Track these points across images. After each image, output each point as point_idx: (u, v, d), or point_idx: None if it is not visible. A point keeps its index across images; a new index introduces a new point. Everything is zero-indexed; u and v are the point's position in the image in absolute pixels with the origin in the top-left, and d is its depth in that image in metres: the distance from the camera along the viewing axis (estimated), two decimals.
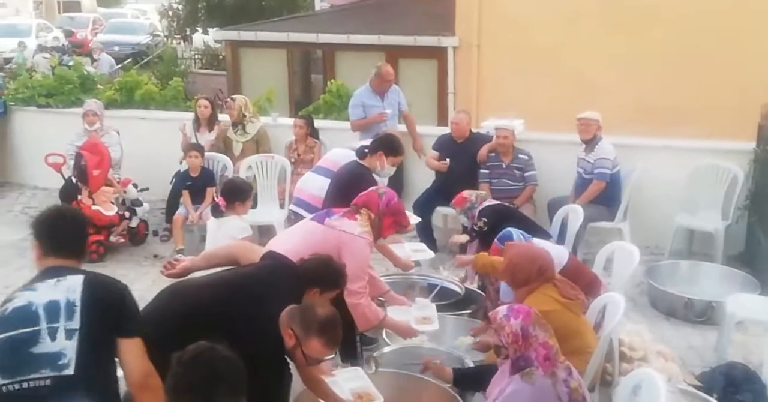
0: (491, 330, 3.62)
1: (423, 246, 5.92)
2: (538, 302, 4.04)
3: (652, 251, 7.27)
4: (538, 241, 4.88)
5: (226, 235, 5.10)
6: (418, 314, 4.78)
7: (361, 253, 4.39)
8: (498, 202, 5.96)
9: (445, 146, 7.56)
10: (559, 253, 4.74)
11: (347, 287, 4.28)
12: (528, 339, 3.38)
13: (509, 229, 4.85)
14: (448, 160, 7.39)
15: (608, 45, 10.06)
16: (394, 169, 5.67)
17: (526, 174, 7.23)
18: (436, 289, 5.45)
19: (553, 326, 3.87)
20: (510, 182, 7.18)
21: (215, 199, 7.20)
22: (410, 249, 5.68)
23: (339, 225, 4.40)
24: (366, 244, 4.43)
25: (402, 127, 7.96)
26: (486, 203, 5.77)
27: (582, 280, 4.51)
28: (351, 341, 4.90)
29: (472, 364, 4.36)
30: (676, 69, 9.70)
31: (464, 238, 6.00)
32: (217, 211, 5.38)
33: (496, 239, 4.85)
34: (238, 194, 5.31)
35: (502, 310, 3.52)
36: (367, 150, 5.53)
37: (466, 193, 5.89)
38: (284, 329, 3.42)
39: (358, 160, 5.58)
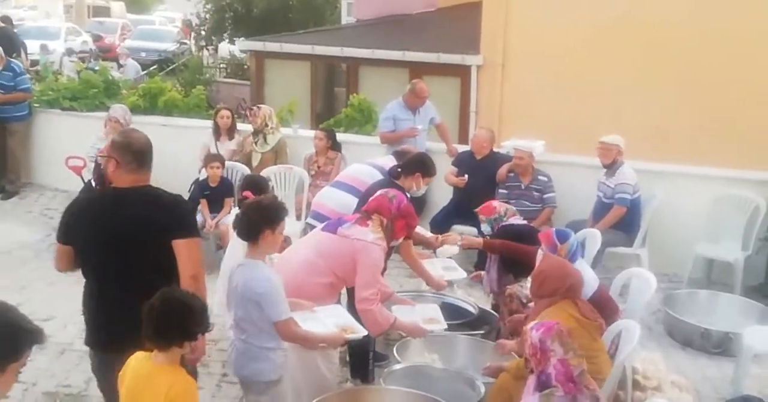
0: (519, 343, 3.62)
1: (453, 264, 5.85)
2: (555, 316, 4.02)
3: (670, 279, 7.19)
4: (580, 262, 4.83)
5: None
6: (424, 315, 4.83)
7: (375, 260, 4.43)
8: (524, 222, 5.84)
9: (464, 162, 7.54)
10: (590, 280, 4.70)
11: (359, 294, 4.35)
12: (545, 353, 3.37)
13: (572, 232, 4.90)
14: (466, 176, 7.36)
15: (632, 69, 10.02)
16: (425, 188, 5.65)
17: (545, 196, 7.18)
18: None
19: None
20: (528, 203, 7.13)
21: (233, 208, 7.21)
22: (441, 267, 5.62)
23: (351, 233, 4.42)
24: (380, 250, 4.46)
25: (429, 145, 7.99)
26: (513, 220, 5.66)
27: (604, 311, 4.46)
28: (364, 358, 4.88)
29: (482, 386, 4.31)
30: (699, 95, 9.63)
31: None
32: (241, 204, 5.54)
33: (555, 229, 4.93)
34: (260, 188, 5.42)
35: (532, 323, 3.54)
36: (400, 169, 5.48)
37: (495, 203, 5.79)
38: None
39: (393, 180, 5.53)
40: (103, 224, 3.53)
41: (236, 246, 5.53)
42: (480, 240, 5.71)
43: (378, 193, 4.81)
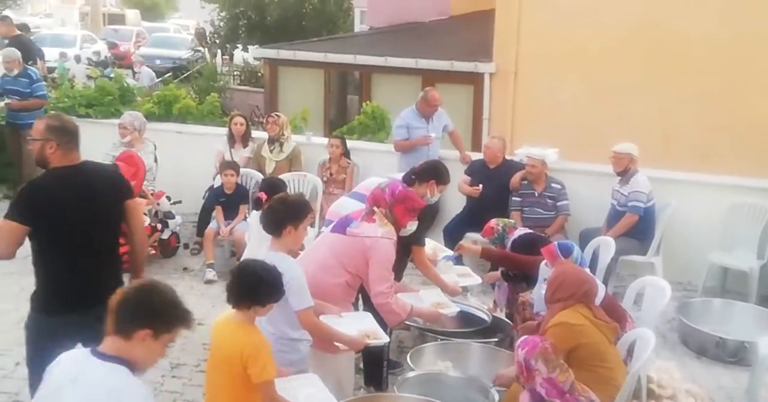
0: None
1: (468, 270, 5.87)
2: (568, 316, 4.05)
3: (684, 287, 7.17)
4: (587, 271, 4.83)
5: None
6: (431, 300, 4.95)
7: (386, 255, 4.45)
8: (529, 230, 5.88)
9: (477, 171, 7.54)
10: (599, 289, 4.69)
11: (374, 289, 4.40)
12: (530, 371, 3.37)
13: (573, 243, 4.92)
14: (480, 185, 7.36)
15: (645, 76, 10.02)
16: (439, 196, 5.66)
17: (558, 203, 7.18)
18: None
19: (580, 342, 3.88)
20: (542, 211, 7.13)
21: (246, 215, 7.25)
22: (457, 274, 5.64)
23: (360, 231, 4.47)
24: (390, 244, 4.49)
25: (443, 152, 8.01)
26: (517, 232, 5.69)
27: (612, 317, 4.45)
28: (378, 365, 4.90)
29: (496, 394, 4.30)
30: (714, 103, 9.62)
31: (496, 275, 5.92)
32: (258, 204, 5.68)
33: (557, 243, 4.93)
34: (276, 189, 5.53)
35: (522, 338, 3.53)
36: (414, 176, 5.50)
37: (493, 223, 5.79)
38: None
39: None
40: (81, 197, 3.85)
41: (253, 250, 5.61)
42: (478, 248, 5.75)
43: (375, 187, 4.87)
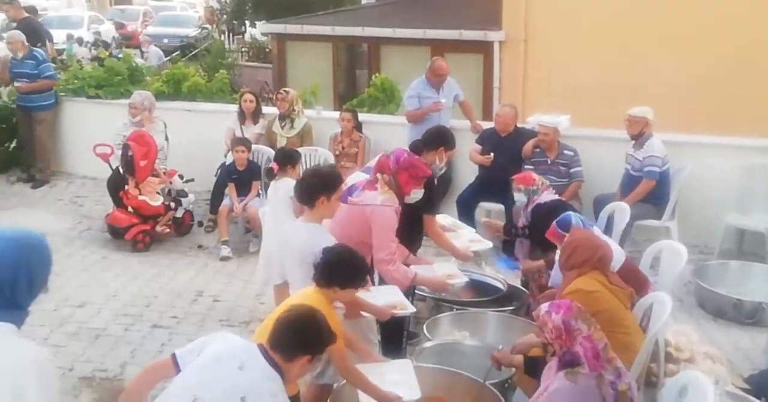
0: (535, 329, 3.57)
1: (478, 236, 5.87)
2: (584, 284, 4.04)
3: (700, 251, 7.13)
4: (600, 236, 4.79)
5: (283, 195, 5.53)
6: (444, 271, 4.99)
7: (387, 222, 4.49)
8: (557, 196, 5.72)
9: (489, 140, 7.50)
10: (617, 253, 4.67)
11: (376, 255, 4.46)
12: (571, 333, 3.33)
13: (570, 213, 4.80)
14: (492, 154, 7.33)
15: (657, 40, 9.90)
16: (445, 163, 5.64)
17: (571, 170, 7.13)
18: None
19: (598, 309, 3.87)
20: (555, 178, 7.07)
21: (260, 191, 7.26)
22: (467, 239, 5.64)
23: (360, 200, 4.52)
24: (391, 211, 4.52)
25: (453, 122, 7.96)
26: (546, 194, 5.54)
27: (633, 284, 4.43)
28: (398, 336, 4.93)
29: None
30: (729, 65, 9.51)
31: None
32: (270, 175, 5.94)
33: (555, 223, 4.78)
34: (289, 159, 5.81)
35: (543, 307, 3.49)
36: (422, 145, 5.50)
37: (535, 175, 5.69)
38: None
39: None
40: None
41: (272, 229, 5.67)
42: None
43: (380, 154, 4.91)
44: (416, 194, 4.72)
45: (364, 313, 4.22)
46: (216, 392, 2.79)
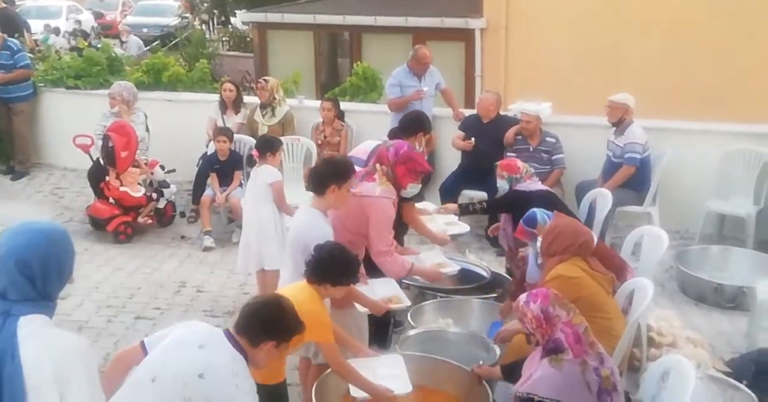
0: (517, 316, 3.59)
1: (454, 218, 5.89)
2: (565, 270, 4.06)
3: (681, 236, 7.19)
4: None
5: (262, 182, 5.64)
6: (432, 261, 5.03)
7: (385, 213, 4.49)
8: (542, 187, 5.64)
9: (471, 126, 7.51)
10: None
11: (374, 247, 4.47)
12: (551, 320, 3.35)
13: (534, 210, 4.72)
14: (473, 139, 7.33)
15: (641, 27, 9.92)
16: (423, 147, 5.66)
17: (553, 157, 7.15)
18: None
19: (579, 295, 3.90)
20: (537, 165, 7.07)
21: (242, 181, 7.23)
22: (443, 222, 5.66)
23: (359, 191, 4.50)
24: (388, 203, 4.53)
25: (436, 110, 7.98)
26: (530, 183, 5.49)
27: (609, 266, 4.45)
28: (384, 324, 4.95)
29: (497, 349, 4.33)
30: (709, 51, 9.55)
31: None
32: (251, 161, 5.98)
33: (521, 221, 4.73)
34: (269, 146, 5.79)
35: (522, 297, 3.51)
36: (400, 131, 5.52)
37: (519, 163, 5.63)
38: None
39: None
40: None
41: (251, 217, 5.66)
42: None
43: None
44: (413, 189, 4.73)
45: (358, 307, 4.24)
46: (174, 370, 2.78)
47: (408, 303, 4.53)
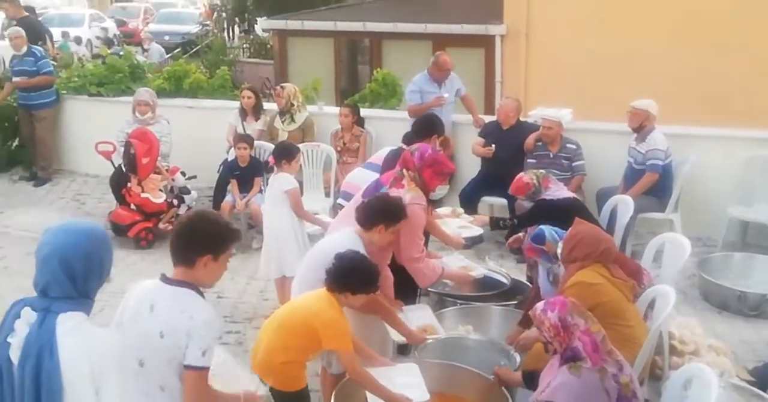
0: (534, 326, 3.57)
1: (467, 222, 5.89)
2: (586, 276, 4.03)
3: (704, 243, 7.12)
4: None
5: (278, 189, 5.66)
6: (457, 264, 5.09)
7: (416, 221, 4.49)
8: (567, 193, 5.46)
9: (491, 133, 7.50)
10: None
11: (406, 253, 4.48)
12: (568, 329, 3.33)
13: (542, 227, 4.62)
14: (493, 146, 7.32)
15: (662, 33, 9.86)
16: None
17: (574, 164, 7.11)
18: None
19: (599, 301, 3.87)
20: (557, 172, 7.05)
21: (262, 188, 7.26)
22: (456, 226, 5.65)
23: None
24: (420, 209, 4.53)
25: (455, 117, 8.01)
26: (554, 189, 5.31)
27: (624, 271, 4.41)
28: (413, 288, 5.03)
29: (517, 356, 4.31)
30: (732, 56, 9.46)
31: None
32: (269, 168, 6.14)
33: (529, 239, 4.66)
34: (285, 154, 5.77)
35: (539, 306, 3.48)
36: (413, 134, 5.53)
37: (525, 178, 5.36)
38: None
39: (405, 147, 5.56)
40: None
41: (269, 223, 5.71)
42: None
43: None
44: (441, 190, 4.75)
45: (392, 333, 4.29)
46: (142, 343, 2.83)
47: (443, 334, 4.50)
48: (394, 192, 4.54)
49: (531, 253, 4.65)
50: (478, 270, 5.13)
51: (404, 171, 4.64)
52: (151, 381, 2.83)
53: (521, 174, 5.46)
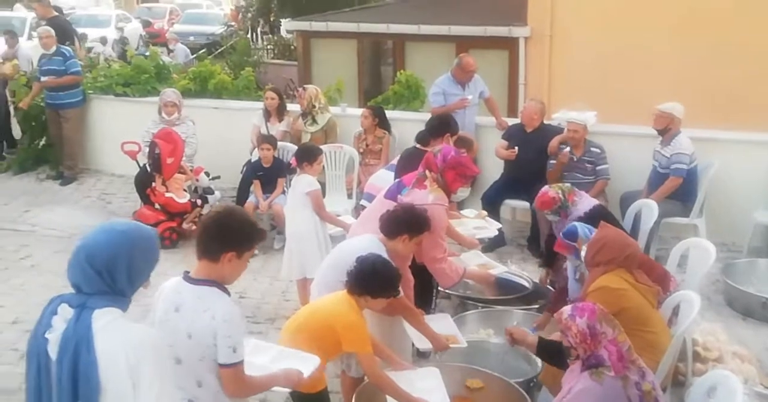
0: (558, 326, 3.55)
1: (484, 223, 5.89)
2: (610, 281, 4.01)
3: (729, 248, 7.05)
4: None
5: (300, 191, 5.70)
6: (476, 262, 5.16)
7: (439, 221, 4.52)
8: (592, 203, 5.35)
9: (515, 135, 7.47)
10: None
11: (429, 254, 4.53)
12: (596, 337, 3.31)
13: (575, 224, 4.64)
14: (516, 148, 7.30)
15: (687, 36, 9.77)
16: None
17: (597, 168, 7.07)
18: None
19: (623, 306, 3.86)
20: (581, 176, 7.03)
21: (285, 189, 7.29)
22: (473, 226, 5.65)
23: (410, 199, 4.53)
24: (441, 209, 4.57)
25: (479, 119, 8.01)
26: (581, 202, 5.21)
27: (651, 275, 4.39)
28: (429, 288, 5.09)
29: (539, 361, 4.30)
30: (756, 60, 9.36)
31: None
32: (291, 169, 6.18)
33: (561, 234, 4.64)
34: (306, 156, 5.80)
35: (566, 310, 3.45)
36: (427, 133, 5.55)
37: (551, 193, 5.20)
38: None
39: (419, 146, 5.60)
40: None
41: (290, 225, 5.74)
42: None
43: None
44: (462, 193, 4.76)
45: (412, 335, 4.30)
46: (174, 341, 2.91)
47: (465, 344, 4.48)
48: (416, 192, 4.55)
49: (561, 248, 4.63)
50: (498, 268, 5.14)
51: (427, 172, 4.65)
52: (188, 377, 2.93)
53: (546, 188, 5.33)
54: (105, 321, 2.39)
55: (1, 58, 10.85)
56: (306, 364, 3.45)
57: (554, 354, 3.88)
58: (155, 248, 2.63)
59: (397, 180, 4.99)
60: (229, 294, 3.00)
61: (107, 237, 2.49)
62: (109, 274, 2.45)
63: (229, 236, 2.97)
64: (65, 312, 2.42)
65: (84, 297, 2.44)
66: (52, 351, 2.39)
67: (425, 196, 4.52)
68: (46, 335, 2.42)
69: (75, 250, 2.48)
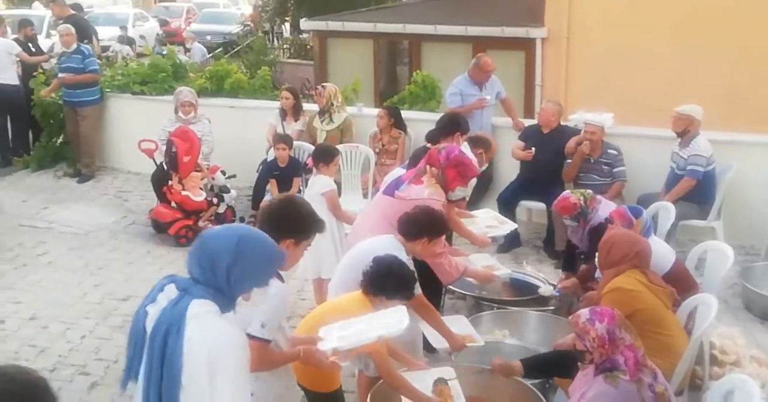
0: (573, 329, 3.53)
1: (496, 222, 5.87)
2: (623, 282, 4.01)
3: (747, 251, 7.00)
4: (653, 238, 4.73)
5: (315, 192, 5.69)
6: (483, 263, 5.12)
7: None
8: (611, 203, 5.32)
9: (531, 136, 7.44)
10: (668, 253, 4.63)
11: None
12: (615, 342, 3.29)
13: (641, 208, 4.85)
14: (533, 148, 7.27)
15: (704, 37, 9.71)
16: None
17: (614, 170, 7.03)
18: None
19: (636, 308, 3.86)
20: (598, 177, 7.00)
21: (301, 188, 7.30)
22: (484, 225, 5.63)
23: (407, 195, 4.57)
24: (438, 205, 4.55)
25: (495, 120, 7.99)
26: (599, 209, 5.13)
27: (681, 285, 4.36)
28: (438, 290, 5.03)
29: None
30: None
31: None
32: (307, 169, 6.20)
33: (627, 207, 4.83)
34: (323, 157, 5.83)
35: (584, 313, 3.43)
36: (437, 132, 5.55)
37: (572, 198, 5.17)
38: None
39: (429, 145, 5.60)
40: None
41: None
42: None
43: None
44: (459, 192, 4.75)
45: (427, 334, 4.31)
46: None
47: (482, 342, 4.48)
48: (412, 187, 4.56)
49: (618, 216, 4.69)
50: (503, 270, 5.10)
51: (428, 167, 4.66)
52: None
53: (568, 193, 5.31)
54: (199, 311, 2.42)
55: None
56: (396, 314, 3.50)
57: (544, 367, 3.96)
58: (266, 265, 2.62)
59: (397, 176, 4.99)
60: (283, 280, 3.12)
61: (225, 234, 2.56)
62: (211, 268, 2.49)
63: (290, 224, 3.14)
64: (170, 291, 2.49)
65: (191, 283, 2.49)
66: (149, 325, 2.45)
67: (421, 191, 4.54)
68: (147, 308, 2.49)
69: (200, 235, 2.59)
